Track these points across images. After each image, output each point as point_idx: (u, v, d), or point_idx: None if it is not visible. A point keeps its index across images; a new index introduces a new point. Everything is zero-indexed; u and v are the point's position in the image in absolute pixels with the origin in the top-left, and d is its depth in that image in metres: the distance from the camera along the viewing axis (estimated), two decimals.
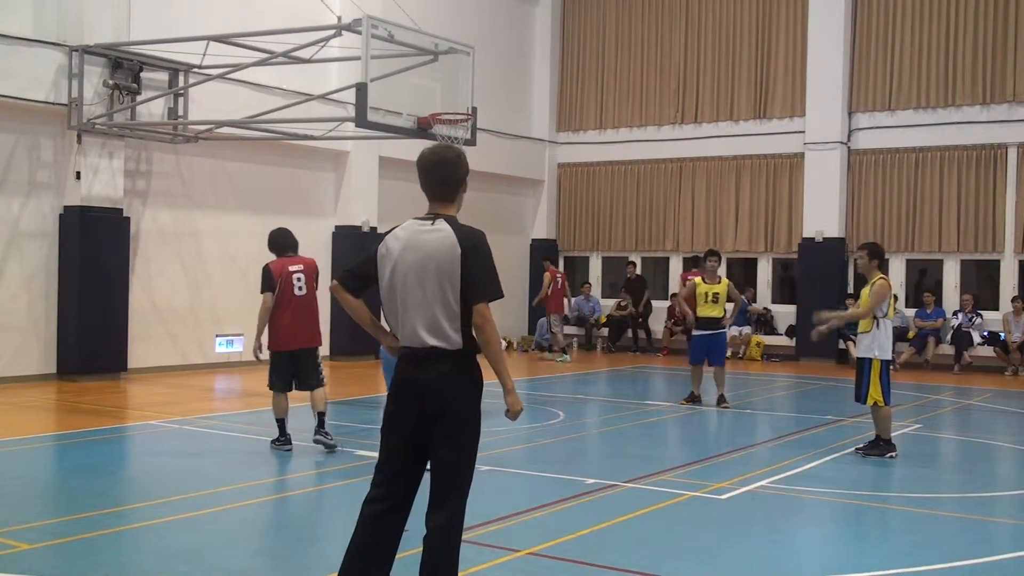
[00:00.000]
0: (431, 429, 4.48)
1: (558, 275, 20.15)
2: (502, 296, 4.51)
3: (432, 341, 4.45)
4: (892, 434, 9.68)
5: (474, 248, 4.46)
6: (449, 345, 4.45)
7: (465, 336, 4.48)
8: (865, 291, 9.60)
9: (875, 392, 9.45)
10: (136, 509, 7.25)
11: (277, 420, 9.42)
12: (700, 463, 9.24)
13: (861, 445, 9.76)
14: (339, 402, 13.72)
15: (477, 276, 4.44)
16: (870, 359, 9.51)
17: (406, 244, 4.53)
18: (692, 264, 21.06)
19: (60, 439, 10.30)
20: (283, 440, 9.44)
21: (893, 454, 9.45)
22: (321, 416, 9.37)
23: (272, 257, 9.50)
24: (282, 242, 9.54)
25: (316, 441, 9.33)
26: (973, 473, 9.29)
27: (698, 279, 13.34)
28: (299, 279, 9.31)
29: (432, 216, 4.58)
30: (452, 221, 4.54)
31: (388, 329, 4.75)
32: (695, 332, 13.32)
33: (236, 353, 16.60)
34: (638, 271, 22.15)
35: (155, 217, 15.47)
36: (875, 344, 9.51)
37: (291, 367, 9.36)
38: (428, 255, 4.47)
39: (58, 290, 14.30)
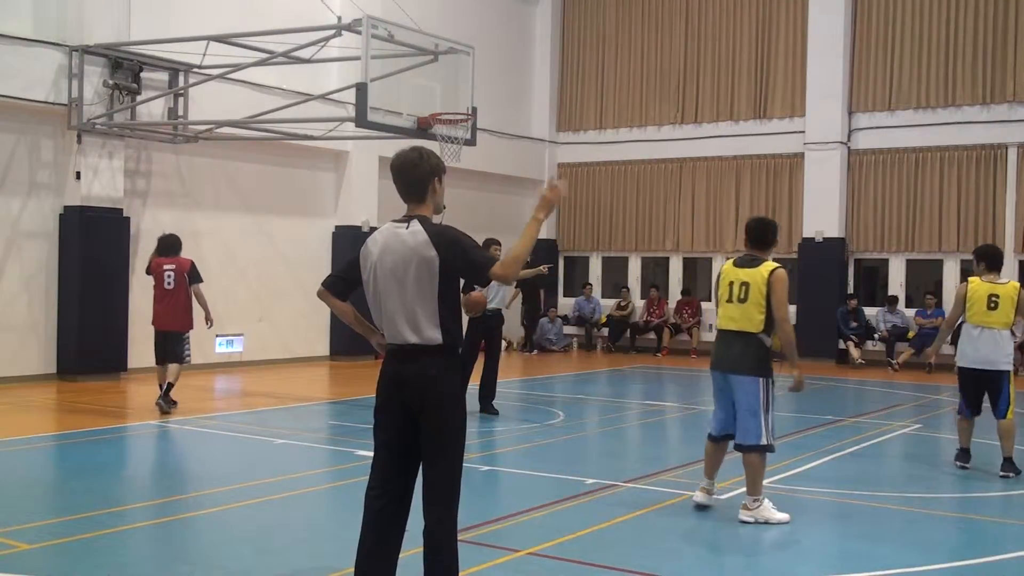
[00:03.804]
0: (417, 423, 4.63)
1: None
2: (495, 261, 4.58)
3: (414, 339, 4.59)
4: (891, 435, 9.67)
5: (450, 245, 4.58)
6: (430, 342, 4.59)
7: (445, 332, 4.61)
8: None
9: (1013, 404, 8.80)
10: (136, 509, 7.25)
11: (159, 385, 11.59)
12: (700, 463, 9.21)
13: (1003, 471, 8.78)
14: (340, 402, 13.75)
15: (468, 262, 4.57)
16: (1009, 370, 8.73)
17: (384, 246, 4.68)
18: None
19: (60, 439, 10.30)
20: (169, 399, 11.48)
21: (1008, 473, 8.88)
22: (169, 385, 11.45)
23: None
24: (163, 245, 11.80)
25: (157, 404, 11.37)
26: (973, 473, 9.28)
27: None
28: (169, 276, 11.52)
29: (407, 218, 4.71)
30: (425, 221, 4.66)
31: (375, 328, 4.89)
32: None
33: (236, 353, 16.62)
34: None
35: (155, 217, 15.46)
36: (957, 352, 8.86)
37: (161, 343, 11.63)
38: (404, 256, 4.60)
39: (58, 290, 14.30)
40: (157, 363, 11.79)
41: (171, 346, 11.58)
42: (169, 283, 11.50)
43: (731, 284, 7.10)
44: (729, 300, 7.09)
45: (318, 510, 7.52)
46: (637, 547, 6.40)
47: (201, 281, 11.74)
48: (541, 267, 13.06)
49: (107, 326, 14.34)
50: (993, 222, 18.81)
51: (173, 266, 11.56)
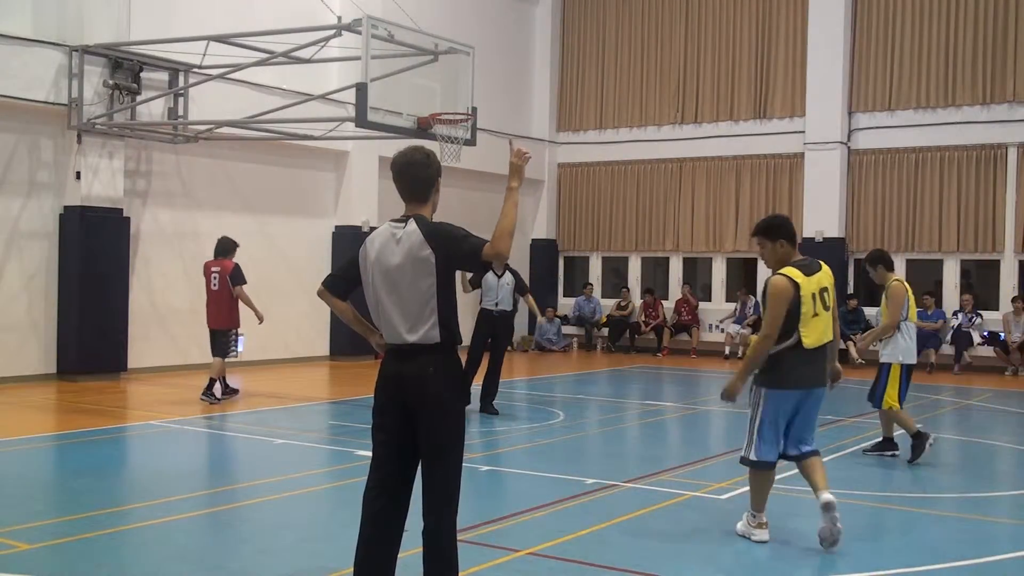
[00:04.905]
0: (416, 423, 4.62)
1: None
2: (487, 240, 4.53)
3: (412, 338, 4.60)
4: (893, 434, 9.68)
5: (444, 241, 4.57)
6: (428, 340, 4.60)
7: (443, 330, 4.62)
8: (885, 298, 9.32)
9: (891, 396, 9.26)
10: (136, 509, 7.25)
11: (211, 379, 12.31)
12: (700, 463, 9.24)
13: (869, 447, 9.71)
14: (340, 402, 13.75)
15: (463, 253, 4.57)
16: (889, 364, 9.27)
17: (381, 247, 4.68)
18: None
19: (60, 439, 10.30)
20: (227, 391, 12.48)
21: (894, 453, 9.50)
22: (211, 381, 12.28)
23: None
24: (216, 247, 12.59)
25: (201, 398, 12.13)
26: (973, 473, 9.29)
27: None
28: (215, 277, 12.27)
29: (405, 218, 4.71)
30: (421, 221, 4.66)
31: (374, 327, 4.88)
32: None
33: (236, 353, 16.57)
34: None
35: (155, 217, 15.47)
36: (896, 349, 9.22)
37: (211, 339, 12.39)
38: (401, 256, 4.61)
39: (58, 290, 14.29)
40: (213, 356, 12.44)
41: (217, 342, 12.33)
42: (215, 284, 12.28)
43: (814, 296, 6.40)
44: (816, 314, 6.40)
45: (318, 510, 7.52)
46: (637, 547, 6.40)
47: (243, 283, 12.27)
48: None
49: (107, 326, 14.33)
50: (993, 222, 18.81)
51: (219, 268, 12.29)
